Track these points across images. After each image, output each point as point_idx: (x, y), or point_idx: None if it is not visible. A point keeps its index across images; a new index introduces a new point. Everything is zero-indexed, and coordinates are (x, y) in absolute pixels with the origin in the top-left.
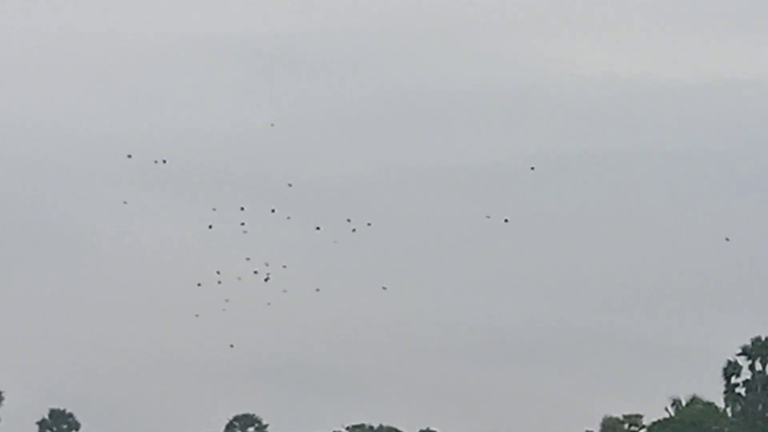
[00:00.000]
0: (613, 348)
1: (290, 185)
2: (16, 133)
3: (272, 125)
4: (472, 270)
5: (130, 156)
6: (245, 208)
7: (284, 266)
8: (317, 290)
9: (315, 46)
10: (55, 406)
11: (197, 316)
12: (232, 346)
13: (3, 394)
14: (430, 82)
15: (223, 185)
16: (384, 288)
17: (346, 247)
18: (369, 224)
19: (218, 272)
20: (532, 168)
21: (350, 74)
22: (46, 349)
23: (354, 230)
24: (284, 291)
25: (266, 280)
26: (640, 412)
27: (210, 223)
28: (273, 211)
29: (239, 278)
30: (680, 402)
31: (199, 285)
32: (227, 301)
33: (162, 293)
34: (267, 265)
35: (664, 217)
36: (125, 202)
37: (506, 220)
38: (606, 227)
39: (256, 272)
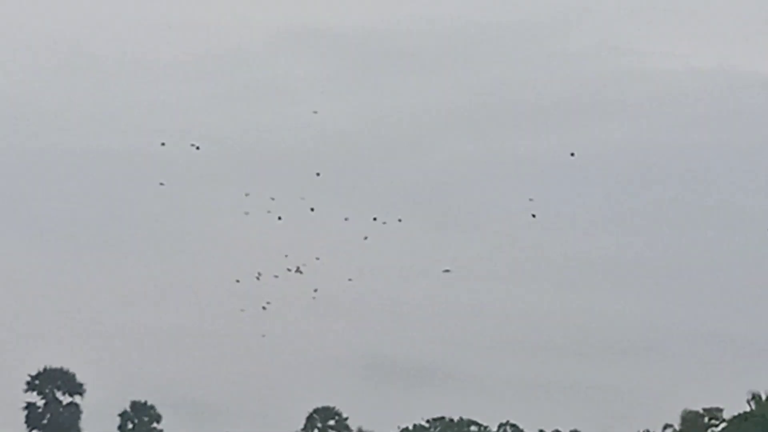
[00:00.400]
0: (693, 342)
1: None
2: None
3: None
4: (552, 264)
5: (196, 147)
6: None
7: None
8: (400, 285)
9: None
10: (137, 398)
11: (265, 307)
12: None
13: (85, 387)
14: (522, 76)
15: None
16: (447, 271)
17: (438, 244)
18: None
19: (302, 266)
20: (572, 154)
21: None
22: (127, 342)
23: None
24: (365, 287)
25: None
26: (720, 406)
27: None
28: (374, 219)
29: (322, 272)
30: (760, 396)
31: (276, 277)
32: (315, 291)
33: (241, 287)
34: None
35: (752, 209)
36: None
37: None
38: (695, 220)
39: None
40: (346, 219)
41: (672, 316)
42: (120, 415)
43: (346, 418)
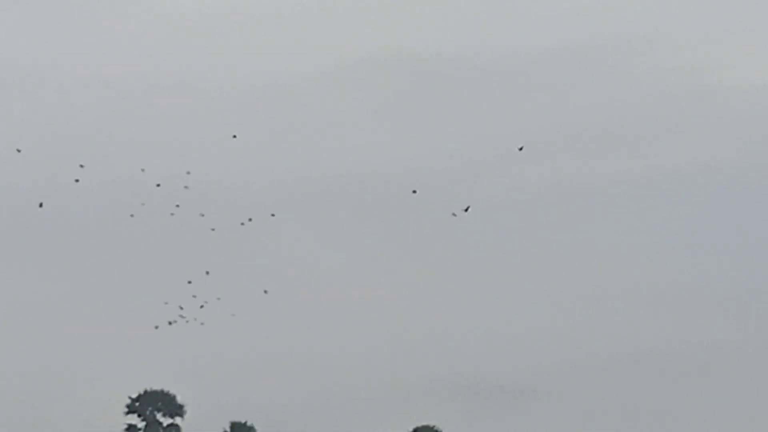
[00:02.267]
0: None
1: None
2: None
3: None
4: (648, 286)
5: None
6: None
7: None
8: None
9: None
10: (237, 419)
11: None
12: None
13: (185, 408)
14: (602, 99)
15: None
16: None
17: (529, 268)
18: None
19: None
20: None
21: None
22: (227, 362)
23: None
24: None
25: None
26: None
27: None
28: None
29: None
30: None
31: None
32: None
33: (347, 310)
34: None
35: None
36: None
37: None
38: None
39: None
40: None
41: None
42: None
43: None
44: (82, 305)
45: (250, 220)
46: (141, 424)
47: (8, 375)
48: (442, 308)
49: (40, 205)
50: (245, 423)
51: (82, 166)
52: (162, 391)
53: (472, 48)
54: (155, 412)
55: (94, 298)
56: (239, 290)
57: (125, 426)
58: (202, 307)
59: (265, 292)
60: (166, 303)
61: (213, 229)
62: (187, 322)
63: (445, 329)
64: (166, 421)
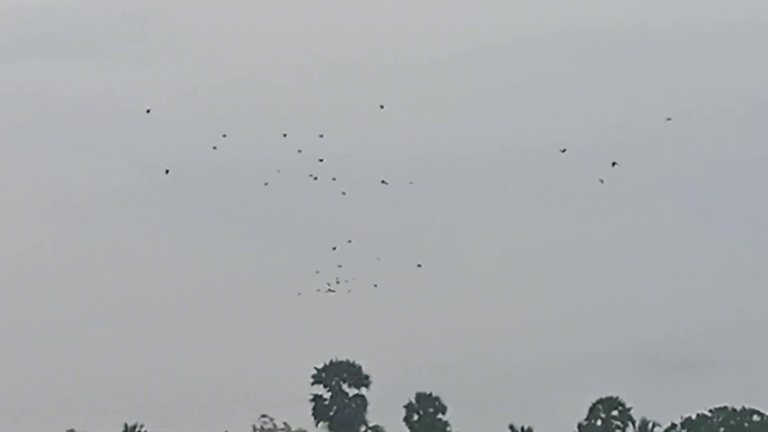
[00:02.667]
0: None
1: None
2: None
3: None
4: None
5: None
6: None
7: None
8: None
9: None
10: (422, 390)
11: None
12: None
13: (371, 379)
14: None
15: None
16: None
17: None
18: None
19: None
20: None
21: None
22: (412, 334)
23: None
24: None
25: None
26: None
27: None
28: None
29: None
30: None
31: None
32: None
33: (513, 279)
34: None
35: None
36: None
37: None
38: None
39: None
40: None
41: None
42: (405, 406)
43: (630, 409)
44: (260, 275)
45: (383, 182)
46: (327, 395)
47: (202, 344)
48: (626, 284)
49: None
50: (430, 394)
51: (224, 135)
52: (348, 362)
53: (660, 22)
54: (341, 383)
55: (270, 267)
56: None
57: (311, 396)
58: (376, 286)
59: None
60: (317, 272)
61: (343, 193)
62: (349, 291)
63: (628, 304)
64: (351, 391)
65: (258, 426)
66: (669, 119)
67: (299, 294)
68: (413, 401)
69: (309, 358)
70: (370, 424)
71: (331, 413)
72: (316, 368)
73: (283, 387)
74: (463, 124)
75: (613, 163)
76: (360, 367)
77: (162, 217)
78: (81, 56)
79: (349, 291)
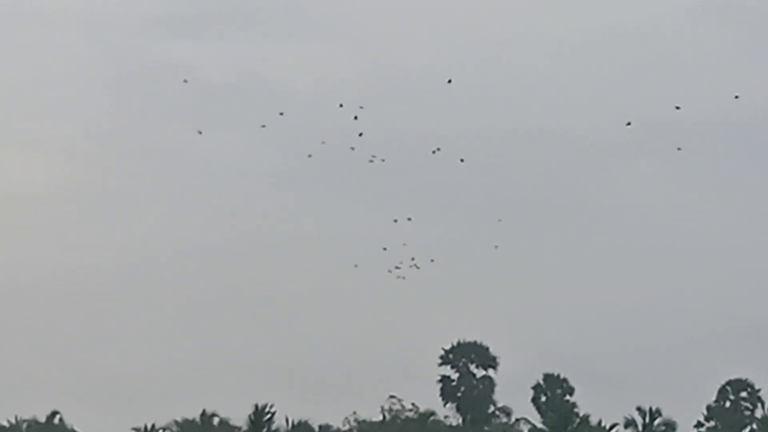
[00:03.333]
0: None
1: None
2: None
3: None
4: None
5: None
6: None
7: None
8: None
9: None
10: (549, 371)
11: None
12: None
13: (498, 360)
14: None
15: None
16: None
17: None
18: None
19: None
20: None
21: None
22: (539, 314)
23: None
24: None
25: None
26: None
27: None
28: None
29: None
30: None
31: None
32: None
33: (646, 259)
34: None
35: None
36: None
37: None
38: None
39: None
40: None
41: None
42: (533, 387)
43: (759, 390)
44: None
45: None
46: (454, 375)
47: (331, 324)
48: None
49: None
50: (558, 375)
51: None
52: (475, 343)
53: None
54: (468, 364)
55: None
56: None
57: (439, 377)
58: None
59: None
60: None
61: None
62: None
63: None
64: (479, 372)
65: (386, 407)
66: None
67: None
68: (541, 382)
69: (437, 338)
70: (498, 405)
71: (459, 394)
72: (443, 349)
73: (411, 368)
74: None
75: None
76: (487, 348)
77: (308, 199)
78: (221, 38)
79: (475, 271)
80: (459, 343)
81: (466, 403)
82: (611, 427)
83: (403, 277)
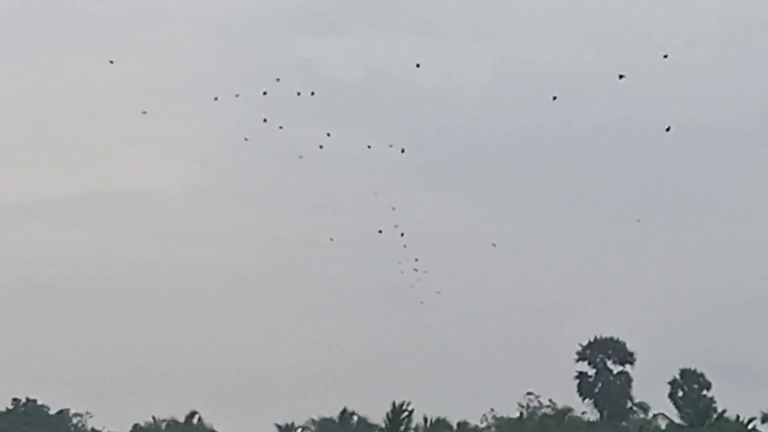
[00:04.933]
0: None
1: None
2: None
3: None
4: None
5: None
6: None
7: None
8: None
9: None
10: (686, 366)
11: None
12: None
13: (635, 355)
14: None
15: None
16: None
17: None
18: None
19: None
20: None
21: None
22: (676, 309)
23: None
24: None
25: None
26: None
27: None
28: None
29: None
30: None
31: None
32: None
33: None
34: None
35: None
36: None
37: None
38: None
39: None
40: None
41: None
42: (669, 383)
43: None
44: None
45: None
46: (591, 371)
47: (466, 322)
48: None
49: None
50: (695, 370)
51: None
52: (612, 339)
53: None
54: (605, 360)
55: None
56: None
57: (576, 373)
58: None
59: None
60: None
61: None
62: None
63: None
64: (616, 368)
65: (524, 403)
66: None
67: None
68: (678, 377)
69: (574, 335)
70: (635, 401)
71: (596, 390)
72: (580, 345)
73: (548, 364)
74: None
75: None
76: (624, 344)
77: (438, 195)
78: (348, 34)
79: (610, 266)
80: (596, 339)
81: (603, 399)
82: (749, 422)
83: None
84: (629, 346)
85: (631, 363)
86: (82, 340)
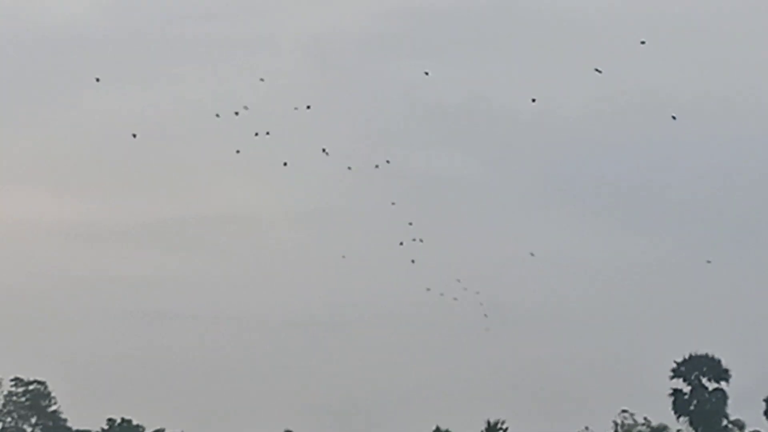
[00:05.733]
0: None
1: None
2: None
3: None
4: None
5: None
6: None
7: None
8: None
9: None
10: None
11: None
12: None
13: (731, 372)
14: None
15: None
16: None
17: None
18: None
19: None
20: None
21: None
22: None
23: None
24: None
25: None
26: None
27: None
28: None
29: None
30: None
31: None
32: None
33: None
34: None
35: None
36: None
37: None
38: None
39: None
40: None
41: None
42: (765, 400)
43: None
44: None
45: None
46: (686, 389)
47: (563, 339)
48: None
49: None
50: None
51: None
52: (707, 356)
53: None
54: (700, 377)
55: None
56: None
57: (671, 390)
58: None
59: None
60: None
61: None
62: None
63: None
64: (711, 385)
65: (619, 421)
66: None
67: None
68: None
69: (668, 352)
70: (731, 418)
71: (692, 407)
72: (675, 362)
73: (643, 382)
74: None
75: None
76: (719, 361)
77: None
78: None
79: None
80: (691, 356)
81: (698, 417)
82: None
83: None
84: (724, 363)
85: (727, 380)
86: (179, 363)
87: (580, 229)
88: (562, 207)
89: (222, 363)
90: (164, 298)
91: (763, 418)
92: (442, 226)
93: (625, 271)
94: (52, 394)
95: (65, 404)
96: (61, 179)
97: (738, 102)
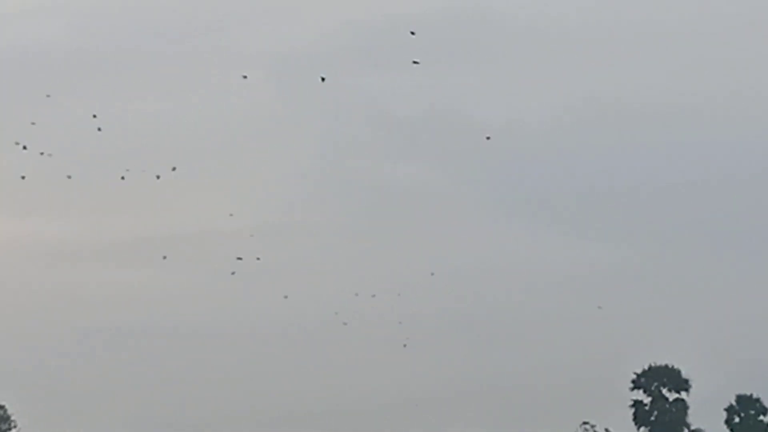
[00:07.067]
0: None
1: None
2: None
3: None
4: None
5: None
6: None
7: None
8: None
9: None
10: (742, 392)
11: None
12: None
13: (691, 382)
14: None
15: None
16: None
17: None
18: None
19: None
20: None
21: None
22: (730, 335)
23: None
24: None
25: None
26: None
27: None
28: None
29: None
30: None
31: None
32: None
33: None
34: None
35: None
36: None
37: None
38: None
39: None
40: None
41: None
42: (726, 409)
43: None
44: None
45: None
46: (647, 400)
47: (527, 351)
48: None
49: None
50: (751, 396)
51: None
52: (667, 366)
53: None
54: (661, 387)
55: None
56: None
57: (631, 401)
58: None
59: None
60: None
61: None
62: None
63: None
64: (671, 396)
65: None
66: None
67: None
68: (734, 403)
69: (628, 363)
70: (692, 428)
71: (652, 418)
72: (635, 373)
73: (603, 393)
74: None
75: None
76: (679, 371)
77: (508, 228)
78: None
79: (664, 294)
80: (650, 367)
81: (659, 427)
82: None
83: (600, 307)
84: (684, 373)
85: (687, 390)
86: (145, 382)
87: (539, 238)
88: (522, 216)
89: (195, 380)
90: (130, 315)
91: (724, 427)
92: (404, 237)
93: (584, 281)
94: (12, 417)
95: (25, 427)
96: (27, 198)
97: (705, 110)
